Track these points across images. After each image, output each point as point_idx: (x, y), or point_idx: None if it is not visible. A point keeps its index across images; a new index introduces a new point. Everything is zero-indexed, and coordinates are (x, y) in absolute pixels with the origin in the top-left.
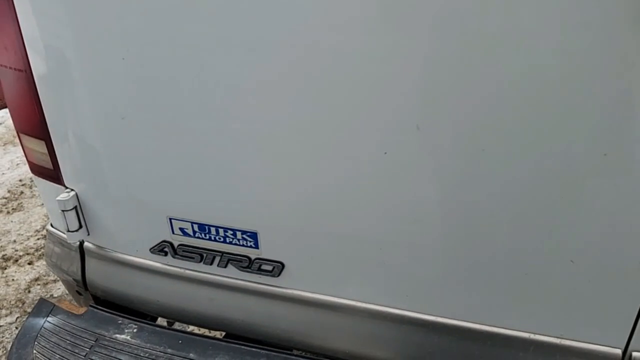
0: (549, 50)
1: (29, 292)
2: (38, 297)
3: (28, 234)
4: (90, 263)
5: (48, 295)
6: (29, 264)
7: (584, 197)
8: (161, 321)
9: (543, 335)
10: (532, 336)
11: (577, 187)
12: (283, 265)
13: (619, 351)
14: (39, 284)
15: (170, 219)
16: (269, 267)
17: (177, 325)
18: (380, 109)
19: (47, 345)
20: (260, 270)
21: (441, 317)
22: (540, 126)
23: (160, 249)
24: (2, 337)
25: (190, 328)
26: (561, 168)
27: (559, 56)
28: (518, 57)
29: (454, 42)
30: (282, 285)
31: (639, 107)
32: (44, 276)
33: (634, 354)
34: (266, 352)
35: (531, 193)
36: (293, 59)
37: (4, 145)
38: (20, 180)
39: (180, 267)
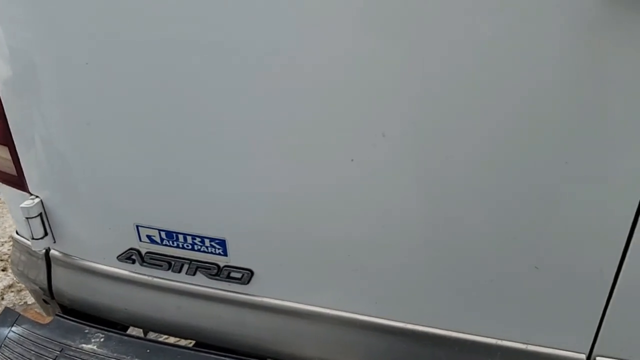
0: (511, 60)
1: (3, 299)
2: (12, 305)
3: (2, 240)
4: (56, 271)
5: (22, 303)
6: (2, 270)
7: (546, 204)
8: (137, 331)
9: (509, 341)
10: (499, 342)
11: (540, 194)
12: (252, 273)
13: (583, 356)
14: (12, 291)
15: (137, 227)
16: (238, 275)
17: (151, 335)
18: (347, 117)
19: (10, 356)
20: (229, 278)
21: (409, 323)
22: (504, 135)
23: (128, 256)
24: None
25: (164, 337)
26: (525, 176)
27: (520, 65)
28: (481, 65)
29: (417, 51)
30: (251, 293)
31: (598, 117)
32: (18, 283)
33: (598, 358)
34: None
35: (496, 200)
36: (260, 67)
37: None
38: None
39: (148, 275)
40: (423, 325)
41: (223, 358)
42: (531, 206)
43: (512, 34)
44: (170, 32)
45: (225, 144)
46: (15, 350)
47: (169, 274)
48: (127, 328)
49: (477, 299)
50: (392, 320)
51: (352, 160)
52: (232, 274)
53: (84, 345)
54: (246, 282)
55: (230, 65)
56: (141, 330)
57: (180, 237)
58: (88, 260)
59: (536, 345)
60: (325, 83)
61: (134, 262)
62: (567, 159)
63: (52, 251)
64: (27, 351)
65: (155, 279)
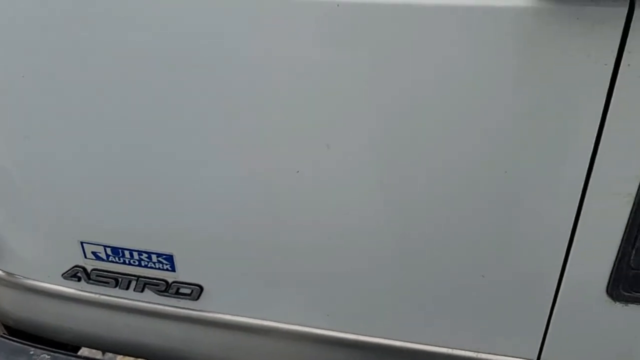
0: (451, 71)
1: None
2: None
3: None
4: None
5: None
6: None
7: (488, 214)
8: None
9: (461, 350)
10: (452, 351)
11: (482, 203)
12: (202, 288)
13: None
14: None
15: (82, 243)
16: (187, 290)
17: (108, 355)
18: (291, 130)
19: None
20: (178, 294)
21: (362, 335)
22: (446, 146)
23: (73, 274)
24: None
25: (121, 357)
26: (467, 185)
27: (461, 78)
28: (425, 80)
29: (361, 64)
30: (201, 309)
31: (535, 125)
32: None
33: None
34: None
35: (442, 210)
36: (210, 77)
37: None
38: None
39: (95, 293)
40: (375, 337)
41: None
42: (474, 216)
43: (451, 47)
44: (110, 40)
45: (169, 158)
46: None
47: (117, 291)
48: (78, 348)
49: (427, 309)
50: (345, 332)
51: (298, 172)
52: (181, 290)
53: None
54: (196, 297)
55: (174, 75)
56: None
57: (127, 253)
58: (32, 279)
59: (487, 353)
60: (272, 102)
61: (79, 279)
62: (506, 169)
63: None
64: None
65: (102, 297)
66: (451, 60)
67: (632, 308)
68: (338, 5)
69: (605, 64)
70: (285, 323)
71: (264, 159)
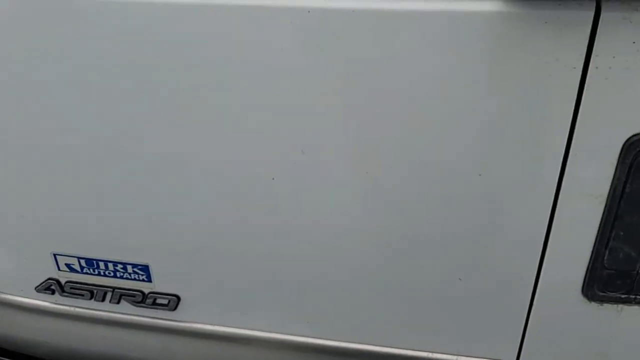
0: (420, 79)
1: None
2: None
3: None
4: None
5: None
6: None
7: (464, 216)
8: None
9: (441, 353)
10: (431, 355)
11: (458, 207)
12: (179, 298)
13: None
14: None
15: (54, 255)
16: (164, 301)
17: None
18: (266, 137)
19: None
20: (155, 305)
21: (343, 341)
22: (420, 150)
23: (47, 287)
24: None
25: None
26: (442, 189)
27: (432, 83)
28: (396, 85)
29: (333, 70)
30: (179, 319)
31: (507, 132)
32: None
33: None
34: None
35: (418, 214)
36: (183, 85)
37: None
38: None
39: (70, 306)
40: (356, 343)
41: None
42: (450, 220)
43: (421, 52)
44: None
45: (143, 167)
46: None
47: (92, 303)
48: None
49: (406, 313)
50: (326, 339)
51: (273, 178)
52: (158, 301)
53: None
54: (173, 308)
55: (147, 84)
56: None
57: (101, 265)
58: (4, 293)
59: (466, 356)
60: (248, 110)
61: (53, 292)
62: (481, 172)
63: None
64: None
65: (77, 309)
66: (422, 65)
67: (607, 307)
68: (309, 12)
69: (574, 67)
70: (265, 331)
71: (239, 166)
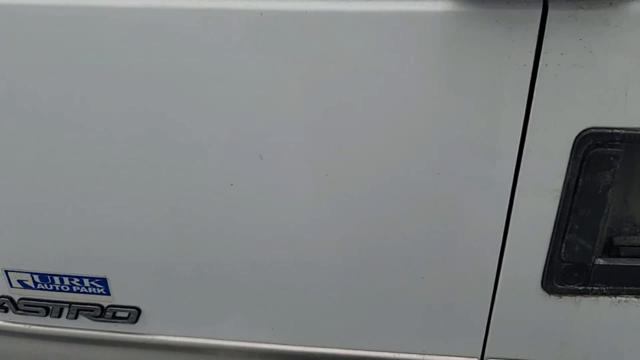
0: (375, 79)
1: None
2: None
3: None
4: None
5: None
6: None
7: (424, 215)
8: None
9: (407, 353)
10: (397, 355)
11: (417, 206)
12: (139, 311)
13: None
14: None
15: (5, 272)
16: (124, 314)
17: None
18: (223, 142)
19: None
20: (114, 318)
21: (309, 346)
22: (378, 150)
23: None
24: None
25: None
26: (404, 189)
27: (387, 83)
28: (351, 86)
29: (287, 72)
30: (140, 332)
31: (462, 130)
32: None
33: None
34: None
35: (378, 215)
36: (136, 90)
37: None
38: None
39: (25, 323)
40: (322, 347)
41: None
42: (411, 219)
43: (375, 52)
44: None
45: (95, 175)
46: None
47: (48, 319)
48: None
49: (370, 315)
50: (292, 344)
51: (232, 184)
52: (118, 314)
53: None
54: (134, 320)
55: (100, 88)
56: None
57: (56, 279)
58: None
59: (432, 354)
60: (200, 109)
61: (6, 310)
62: (439, 171)
63: None
64: None
65: (33, 327)
66: (376, 66)
67: (565, 300)
68: (261, 14)
69: (525, 65)
70: (230, 340)
71: (196, 173)
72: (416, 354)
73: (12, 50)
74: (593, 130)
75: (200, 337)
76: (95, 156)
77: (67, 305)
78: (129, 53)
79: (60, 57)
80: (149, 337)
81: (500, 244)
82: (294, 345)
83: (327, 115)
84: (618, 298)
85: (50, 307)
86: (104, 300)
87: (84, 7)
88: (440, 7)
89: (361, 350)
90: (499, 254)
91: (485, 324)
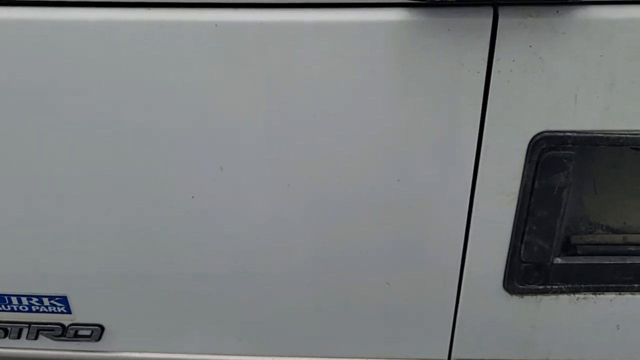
0: (333, 89)
1: None
2: None
3: None
4: None
5: None
6: None
7: (386, 221)
8: None
9: (375, 358)
10: None
11: (379, 212)
12: (102, 328)
13: None
14: None
15: None
16: (87, 332)
17: None
18: (183, 155)
19: None
20: (77, 337)
21: (278, 355)
22: (338, 159)
23: None
24: None
25: None
26: (366, 196)
27: (346, 92)
28: (309, 96)
29: (244, 83)
30: (105, 349)
31: (420, 137)
32: None
33: None
34: None
35: (341, 222)
36: (95, 105)
37: None
38: None
39: None
40: (291, 356)
41: None
42: (373, 225)
43: (332, 62)
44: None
45: (51, 190)
46: None
47: (7, 341)
48: None
49: (338, 322)
50: (259, 355)
51: (193, 197)
52: (80, 332)
53: None
54: (97, 338)
55: (53, 104)
56: None
57: (14, 299)
58: None
59: (400, 358)
60: (159, 122)
61: None
62: (399, 177)
63: None
64: None
65: None
66: (332, 75)
67: (527, 300)
68: (216, 25)
69: (478, 72)
70: (196, 353)
71: (157, 186)
72: (385, 359)
73: None
74: (546, 133)
75: (166, 352)
76: (53, 172)
77: (27, 325)
78: (88, 66)
79: (13, 76)
80: (114, 355)
81: (462, 247)
82: (262, 355)
83: (285, 125)
84: (577, 295)
85: (9, 329)
86: (65, 319)
87: (44, 20)
88: (394, 16)
89: (329, 357)
90: (461, 257)
91: (451, 326)
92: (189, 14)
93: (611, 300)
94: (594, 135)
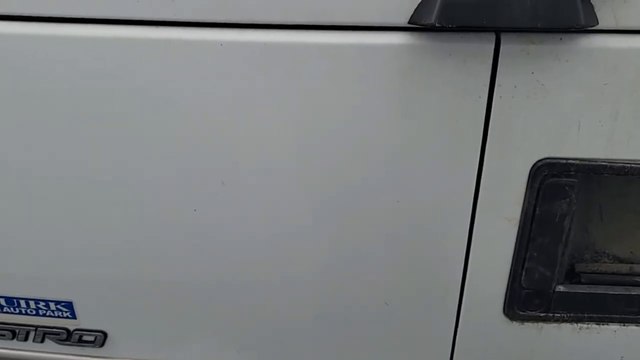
0: (336, 110)
1: None
2: None
3: None
4: None
5: None
6: None
7: (385, 241)
8: None
9: None
10: None
11: (379, 232)
12: (106, 334)
13: None
14: None
15: None
16: (91, 338)
17: None
18: (186, 169)
19: None
20: (81, 342)
21: None
22: (339, 178)
23: None
24: None
25: None
26: (366, 217)
27: (348, 114)
28: (312, 117)
29: (249, 101)
30: (107, 356)
31: (421, 159)
32: None
33: None
34: None
35: (341, 241)
36: (100, 117)
37: None
38: None
39: None
40: None
41: None
42: (373, 246)
43: (336, 84)
44: None
45: (61, 198)
46: None
47: (14, 343)
48: None
49: (335, 340)
50: None
51: (195, 210)
52: (84, 337)
53: None
54: (100, 344)
55: (67, 116)
56: None
57: (22, 303)
58: None
59: None
60: (162, 137)
61: None
62: (399, 198)
63: None
64: None
65: None
66: (336, 96)
67: (528, 326)
68: (221, 45)
69: (479, 97)
70: None
71: (161, 199)
72: None
73: None
74: (548, 160)
75: None
76: (63, 181)
77: (34, 328)
78: (100, 79)
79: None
80: None
81: (462, 271)
82: None
83: (287, 143)
84: (579, 325)
85: (17, 331)
86: (70, 324)
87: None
88: (397, 40)
89: None
90: (461, 281)
91: (450, 350)
92: (196, 33)
93: (615, 332)
94: (598, 163)
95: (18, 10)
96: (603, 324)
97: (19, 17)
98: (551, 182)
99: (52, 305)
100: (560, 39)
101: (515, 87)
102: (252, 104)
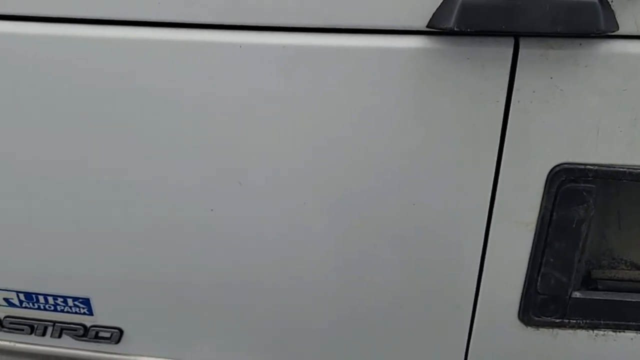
0: (352, 113)
1: None
2: None
3: None
4: None
5: None
6: None
7: (401, 245)
8: None
9: None
10: None
11: (394, 236)
12: (122, 332)
13: None
14: None
15: None
16: (107, 334)
17: None
18: (204, 169)
19: None
20: (97, 338)
21: None
22: (354, 181)
23: None
24: None
25: None
26: (381, 220)
27: (365, 118)
28: (329, 119)
29: (267, 103)
30: (123, 352)
31: (438, 163)
32: None
33: None
34: None
35: (356, 245)
36: (114, 117)
37: None
38: None
39: (9, 341)
40: None
41: None
42: (388, 249)
43: (352, 88)
44: None
45: (80, 196)
46: None
47: (32, 337)
48: None
49: (348, 343)
50: None
51: (212, 210)
52: (101, 334)
53: None
54: (116, 341)
55: (85, 115)
56: None
57: (41, 298)
58: None
59: None
60: (182, 137)
61: None
62: (414, 201)
63: None
64: None
65: (17, 345)
66: (351, 100)
67: (543, 332)
68: (241, 47)
69: (497, 101)
70: None
71: (178, 198)
72: None
73: None
74: (566, 165)
75: (182, 359)
76: (81, 178)
77: (51, 324)
78: (111, 81)
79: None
80: (131, 358)
81: (477, 276)
82: None
83: (303, 146)
84: (596, 332)
85: (35, 326)
86: (87, 320)
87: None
88: (414, 43)
89: None
90: (475, 285)
91: (464, 355)
92: (216, 35)
93: (632, 339)
94: (616, 169)
95: (32, 11)
96: (619, 331)
97: (29, 17)
98: (569, 187)
99: (70, 302)
100: (580, 44)
101: (533, 92)
102: (269, 105)
